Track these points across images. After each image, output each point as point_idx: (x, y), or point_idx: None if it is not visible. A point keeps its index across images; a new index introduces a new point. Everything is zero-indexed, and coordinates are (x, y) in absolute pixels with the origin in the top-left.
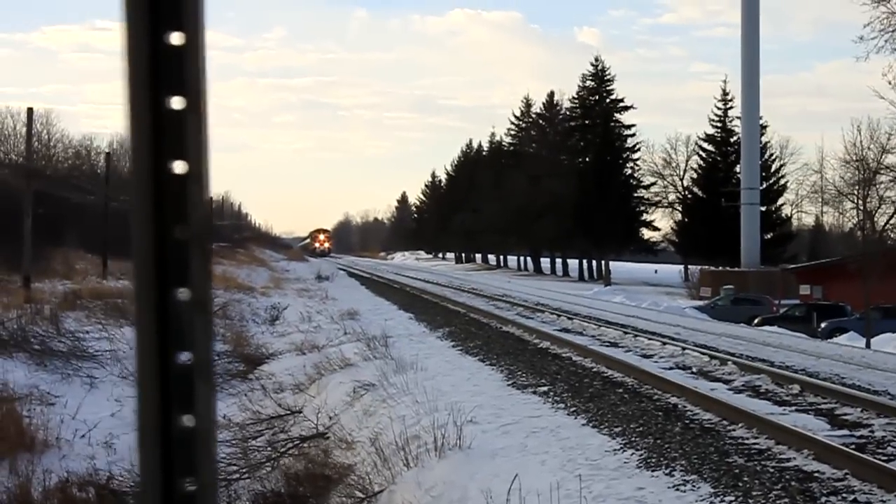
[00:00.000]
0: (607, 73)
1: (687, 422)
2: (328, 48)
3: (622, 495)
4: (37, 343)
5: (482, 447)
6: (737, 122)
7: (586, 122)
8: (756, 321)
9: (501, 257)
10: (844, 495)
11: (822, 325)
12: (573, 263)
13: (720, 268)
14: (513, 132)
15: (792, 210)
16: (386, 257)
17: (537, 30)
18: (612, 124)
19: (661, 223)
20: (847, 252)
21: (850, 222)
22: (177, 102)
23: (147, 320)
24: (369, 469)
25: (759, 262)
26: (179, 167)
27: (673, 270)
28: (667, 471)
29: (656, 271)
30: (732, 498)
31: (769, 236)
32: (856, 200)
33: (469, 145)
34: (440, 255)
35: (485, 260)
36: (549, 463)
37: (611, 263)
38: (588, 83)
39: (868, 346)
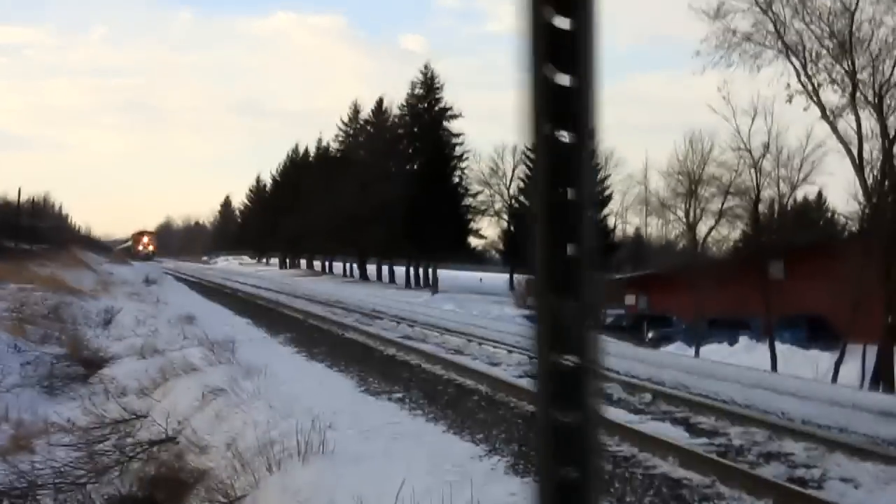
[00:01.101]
0: (437, 80)
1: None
2: (151, 48)
3: (498, 500)
4: None
5: (345, 452)
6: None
7: (415, 129)
8: None
9: (327, 263)
10: (717, 501)
11: (650, 334)
12: (400, 270)
13: None
14: (341, 138)
15: (616, 220)
16: (209, 261)
17: (361, 35)
18: (441, 132)
19: (488, 231)
20: (670, 262)
21: (673, 232)
22: (568, 137)
23: (544, 326)
24: (228, 473)
25: None
26: (571, 194)
27: (498, 279)
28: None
29: (481, 280)
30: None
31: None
32: (678, 211)
33: (296, 150)
34: (265, 259)
35: (310, 265)
36: (415, 468)
37: (438, 271)
38: (417, 90)
39: (697, 354)
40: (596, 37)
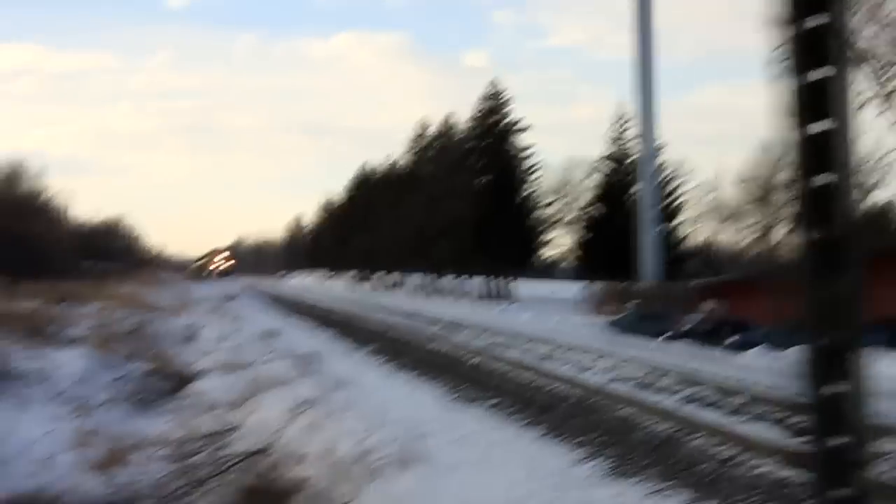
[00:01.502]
0: (503, 95)
1: (644, 433)
2: (214, 71)
3: (601, 502)
4: None
5: (443, 459)
6: (633, 142)
7: (484, 143)
8: (663, 337)
9: (400, 277)
10: None
11: (729, 340)
12: (472, 282)
13: (622, 285)
14: (409, 155)
15: (689, 228)
16: (281, 278)
17: (424, 52)
18: (510, 146)
19: (559, 242)
20: (749, 268)
21: (746, 239)
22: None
23: (813, 304)
24: (327, 483)
25: (661, 279)
26: (830, 179)
27: (572, 288)
28: (639, 479)
29: (555, 290)
30: (715, 501)
31: (670, 254)
32: (751, 218)
33: (364, 167)
34: (336, 275)
35: (383, 279)
36: (514, 474)
37: (510, 282)
38: (485, 105)
39: (780, 357)
40: (847, 30)
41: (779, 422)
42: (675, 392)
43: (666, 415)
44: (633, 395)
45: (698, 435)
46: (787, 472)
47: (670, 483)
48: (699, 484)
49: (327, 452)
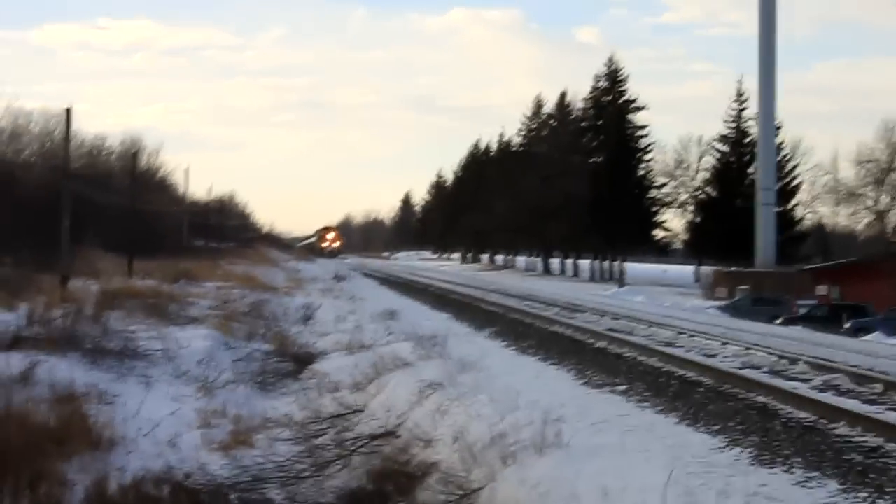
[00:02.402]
0: (620, 73)
1: (784, 420)
2: (327, 47)
3: (747, 490)
4: (88, 342)
5: (580, 444)
6: (751, 121)
7: (599, 122)
8: (778, 321)
9: (509, 257)
10: None
11: (847, 324)
12: (583, 264)
13: (735, 268)
14: (523, 132)
15: (803, 210)
16: (389, 257)
17: (537, 29)
18: (626, 124)
19: (673, 223)
20: (866, 252)
21: (862, 222)
22: None
23: None
24: (459, 466)
25: (774, 262)
26: None
27: (682, 271)
28: (784, 468)
29: (665, 271)
30: (866, 494)
31: (783, 236)
32: (868, 200)
33: (476, 145)
34: (445, 254)
35: (492, 260)
36: (655, 461)
37: (623, 264)
38: (601, 83)
39: None
40: None
41: None
42: (809, 380)
43: (803, 402)
44: (768, 382)
45: (840, 423)
46: None
47: (815, 473)
48: (846, 474)
49: (458, 436)
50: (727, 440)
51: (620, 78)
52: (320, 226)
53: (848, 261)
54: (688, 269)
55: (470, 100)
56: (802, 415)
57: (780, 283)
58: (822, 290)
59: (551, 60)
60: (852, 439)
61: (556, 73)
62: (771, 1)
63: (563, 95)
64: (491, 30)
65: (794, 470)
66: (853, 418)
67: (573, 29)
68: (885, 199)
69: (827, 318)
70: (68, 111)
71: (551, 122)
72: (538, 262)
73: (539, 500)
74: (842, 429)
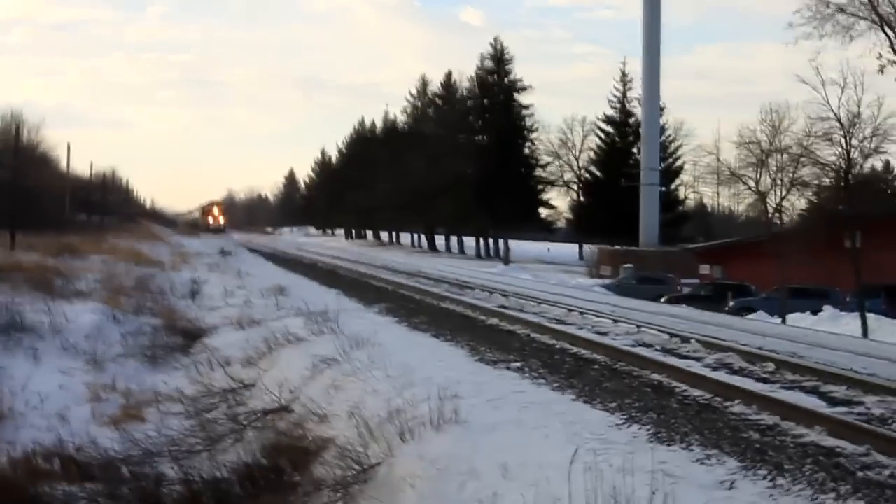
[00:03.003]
0: (506, 53)
1: (680, 398)
2: (211, 24)
3: (647, 468)
4: None
5: (477, 421)
6: (635, 103)
7: (485, 101)
8: (663, 299)
9: (395, 234)
10: (877, 469)
11: (731, 303)
12: (468, 241)
13: (619, 247)
14: (409, 111)
15: (686, 191)
16: (274, 233)
17: (421, 9)
18: (512, 104)
19: (557, 202)
20: (748, 232)
21: (743, 203)
22: None
23: None
24: (356, 442)
25: (658, 242)
26: None
27: (565, 249)
28: (683, 445)
29: (549, 250)
30: (766, 471)
31: (666, 216)
32: (749, 181)
33: (361, 123)
34: (330, 231)
35: (377, 237)
36: (554, 437)
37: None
38: (487, 63)
39: (784, 323)
40: None
41: (813, 390)
42: (702, 358)
43: (698, 380)
44: (661, 360)
45: (735, 401)
46: (832, 442)
47: (714, 451)
48: (745, 452)
49: (354, 412)
50: (625, 417)
51: (506, 58)
52: (204, 202)
53: (731, 241)
54: (572, 248)
55: (356, 79)
56: (697, 393)
57: (664, 263)
58: (705, 269)
59: (437, 41)
60: (749, 417)
61: (441, 53)
62: None
63: (448, 75)
64: (377, 9)
65: (692, 448)
66: (748, 396)
67: (457, 10)
68: (766, 181)
69: (711, 298)
70: None
71: (437, 101)
72: (423, 239)
73: (438, 476)
74: (737, 407)
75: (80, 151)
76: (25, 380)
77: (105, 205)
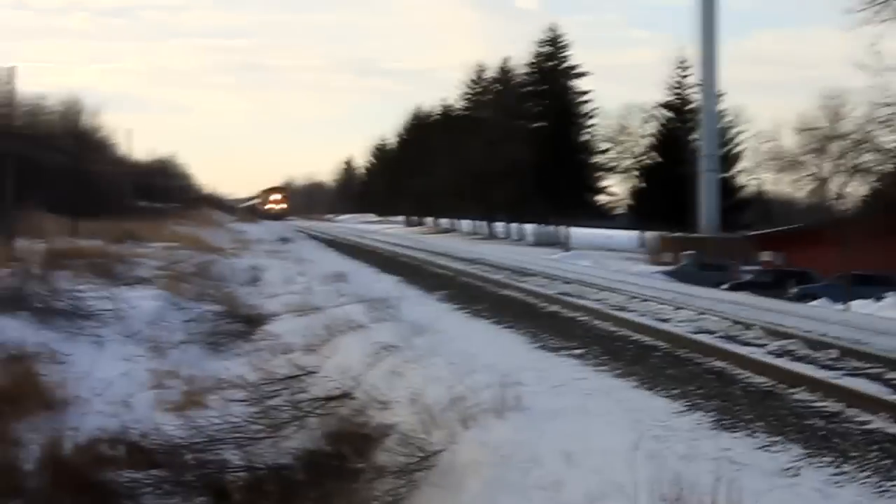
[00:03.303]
0: (562, 39)
1: (744, 385)
2: (268, 9)
3: (711, 455)
4: (37, 302)
5: (540, 407)
6: (694, 89)
7: (542, 87)
8: (724, 286)
9: (453, 221)
10: None
11: (793, 290)
12: (527, 227)
13: (679, 233)
14: (467, 96)
15: (746, 177)
16: (333, 220)
17: None
18: (568, 90)
19: (616, 189)
20: (811, 218)
21: (803, 189)
22: None
23: None
24: (418, 429)
25: (717, 229)
26: None
27: (626, 236)
28: (746, 432)
29: (610, 237)
30: (831, 458)
31: (726, 203)
32: (810, 167)
33: (419, 109)
34: (388, 218)
35: (436, 223)
36: (617, 424)
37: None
38: (543, 49)
39: (847, 309)
40: None
41: (878, 377)
42: (764, 345)
43: (761, 367)
44: (723, 347)
45: (799, 388)
46: None
47: (778, 438)
48: (809, 439)
49: (415, 398)
50: (688, 404)
51: (562, 44)
52: (263, 187)
53: (792, 227)
54: (632, 235)
55: (412, 63)
56: (761, 380)
57: (724, 249)
58: (766, 256)
59: (491, 26)
60: (813, 404)
61: (496, 38)
62: None
63: (505, 61)
64: None
65: (756, 435)
66: (812, 383)
67: None
68: (827, 167)
69: (772, 284)
70: (13, 70)
71: (494, 87)
72: (483, 225)
73: (501, 463)
74: (801, 394)
75: (140, 137)
76: (89, 366)
77: (165, 191)
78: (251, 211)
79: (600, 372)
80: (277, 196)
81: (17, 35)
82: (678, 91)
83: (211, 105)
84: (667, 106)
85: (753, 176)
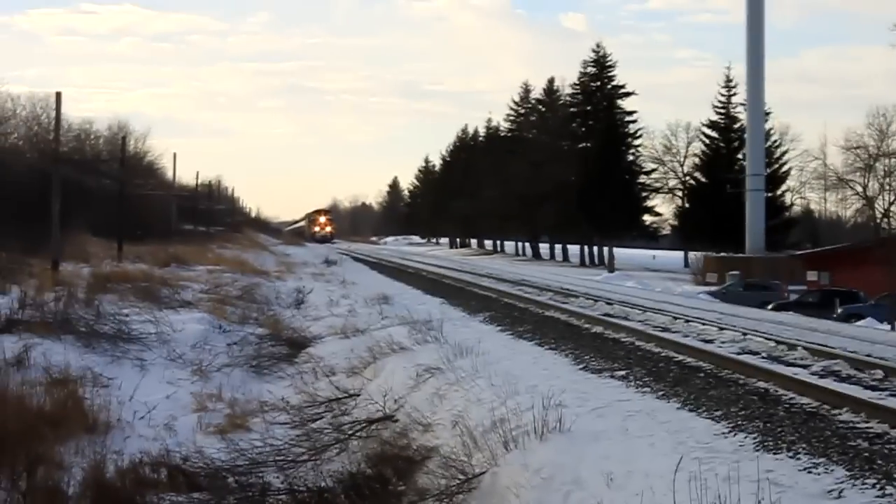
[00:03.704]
0: (608, 59)
1: (787, 406)
2: (313, 32)
3: (754, 476)
4: (82, 325)
5: (582, 430)
6: (740, 108)
7: (588, 108)
8: (770, 306)
9: (498, 243)
10: None
11: (839, 310)
12: (572, 249)
13: (724, 254)
14: (511, 118)
15: (792, 196)
16: (378, 242)
17: (523, 15)
18: (615, 110)
19: (662, 209)
20: (857, 238)
21: (851, 208)
22: None
23: None
24: (460, 451)
25: (764, 249)
26: None
27: (670, 256)
28: (789, 454)
29: (654, 257)
30: (874, 480)
31: (772, 222)
32: (857, 186)
33: (465, 130)
34: (434, 240)
35: (480, 245)
36: (659, 446)
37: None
38: (589, 69)
39: (893, 329)
40: None
41: None
42: (808, 365)
43: (805, 387)
44: (767, 367)
45: (843, 409)
46: None
47: (821, 460)
48: (853, 461)
49: (457, 421)
50: (730, 426)
51: (608, 64)
52: (308, 210)
53: (838, 247)
54: (677, 255)
55: (457, 85)
56: (804, 400)
57: (770, 269)
58: (812, 275)
59: (538, 47)
60: (857, 426)
61: (542, 59)
62: None
63: (551, 81)
64: (477, 15)
65: (799, 456)
66: (856, 404)
67: (559, 15)
68: (873, 186)
69: (818, 304)
70: (58, 95)
71: (540, 107)
72: (527, 247)
73: (542, 486)
74: (845, 415)
75: (187, 161)
76: (132, 390)
77: (211, 214)
78: (297, 234)
79: (643, 393)
80: (323, 219)
81: (67, 60)
82: (724, 110)
83: (257, 128)
84: (713, 125)
85: (799, 195)
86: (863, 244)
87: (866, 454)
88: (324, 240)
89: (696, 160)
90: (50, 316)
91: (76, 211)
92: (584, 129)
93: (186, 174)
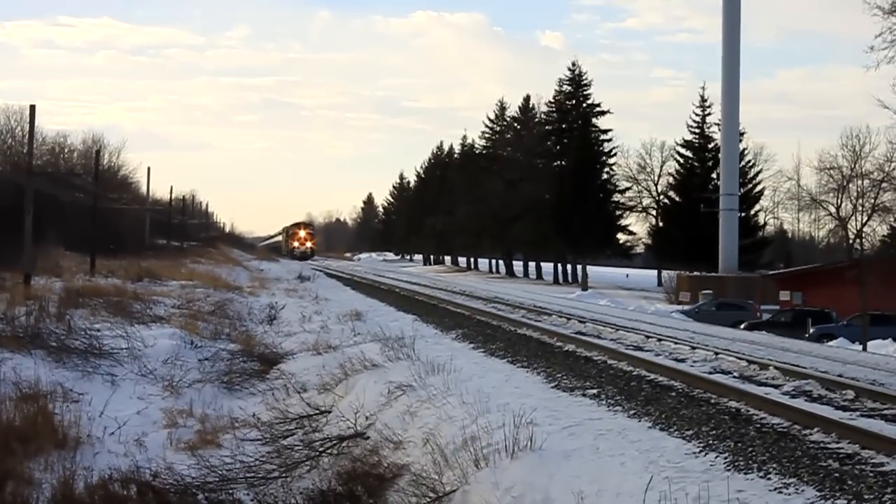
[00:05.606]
0: (584, 77)
1: (758, 426)
2: (290, 47)
3: (724, 497)
4: (52, 340)
5: (553, 448)
6: (715, 128)
7: (563, 126)
8: (742, 326)
9: (472, 260)
10: None
11: (811, 330)
12: (546, 267)
13: (698, 273)
14: (487, 135)
15: (766, 216)
16: (352, 258)
17: (500, 32)
18: (590, 128)
19: (636, 227)
20: (829, 259)
21: (823, 228)
22: None
23: None
24: (431, 469)
25: (737, 268)
26: None
27: (644, 275)
28: (760, 474)
29: (627, 276)
30: (844, 501)
31: (745, 242)
32: (830, 207)
33: (440, 147)
34: (408, 256)
35: (454, 262)
36: (630, 465)
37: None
38: (565, 87)
39: (864, 350)
40: None
41: (894, 418)
42: (780, 385)
43: (776, 407)
44: (739, 387)
45: (814, 430)
46: None
47: (792, 480)
48: (823, 481)
49: (428, 438)
50: (701, 445)
51: (584, 82)
52: (284, 224)
53: (811, 267)
54: (650, 274)
55: (433, 102)
56: (776, 420)
57: (743, 289)
58: (785, 295)
59: (515, 64)
60: (827, 446)
61: (519, 76)
62: (735, 8)
63: (526, 99)
64: (455, 32)
65: (770, 476)
66: (827, 424)
67: (537, 33)
68: (847, 207)
69: (791, 324)
70: (32, 108)
71: (515, 125)
72: (501, 264)
73: (513, 503)
74: (816, 435)
75: (161, 175)
76: (103, 405)
77: (185, 229)
78: (273, 249)
79: (615, 412)
80: (303, 233)
81: (44, 73)
82: (698, 130)
83: (233, 142)
84: (687, 144)
85: (773, 215)
86: (835, 265)
87: (837, 474)
88: (303, 256)
89: (671, 179)
90: (21, 330)
91: (49, 225)
92: (558, 147)
93: (161, 188)
